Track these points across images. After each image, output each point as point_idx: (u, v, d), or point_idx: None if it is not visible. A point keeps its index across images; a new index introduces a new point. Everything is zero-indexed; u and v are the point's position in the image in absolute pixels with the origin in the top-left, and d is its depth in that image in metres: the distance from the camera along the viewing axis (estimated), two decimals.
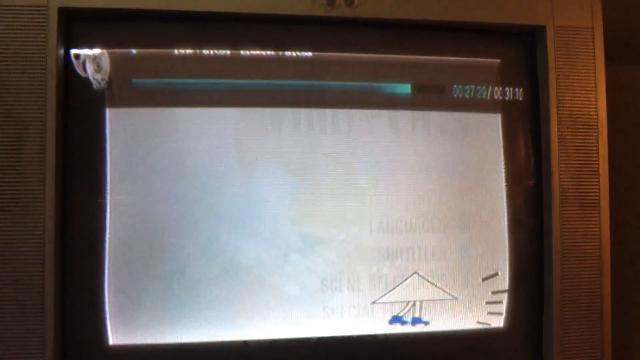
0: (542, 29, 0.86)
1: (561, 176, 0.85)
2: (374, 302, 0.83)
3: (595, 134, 0.86)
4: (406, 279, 0.84)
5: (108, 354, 0.79)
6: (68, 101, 0.78)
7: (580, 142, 0.86)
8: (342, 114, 0.83)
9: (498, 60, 0.88)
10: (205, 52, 0.81)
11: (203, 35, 0.82)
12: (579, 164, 0.86)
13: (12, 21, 0.75)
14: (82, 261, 0.78)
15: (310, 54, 0.83)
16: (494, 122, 0.87)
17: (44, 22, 0.76)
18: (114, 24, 0.81)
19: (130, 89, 0.80)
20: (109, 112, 0.79)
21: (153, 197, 0.80)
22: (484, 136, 0.87)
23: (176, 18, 0.81)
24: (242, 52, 0.82)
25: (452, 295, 0.85)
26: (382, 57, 0.85)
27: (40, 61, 0.75)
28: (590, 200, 0.86)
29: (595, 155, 0.86)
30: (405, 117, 0.85)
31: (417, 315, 0.84)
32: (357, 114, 0.84)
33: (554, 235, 0.85)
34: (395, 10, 0.83)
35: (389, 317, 0.84)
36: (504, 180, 0.87)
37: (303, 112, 0.83)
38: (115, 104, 0.79)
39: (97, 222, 0.78)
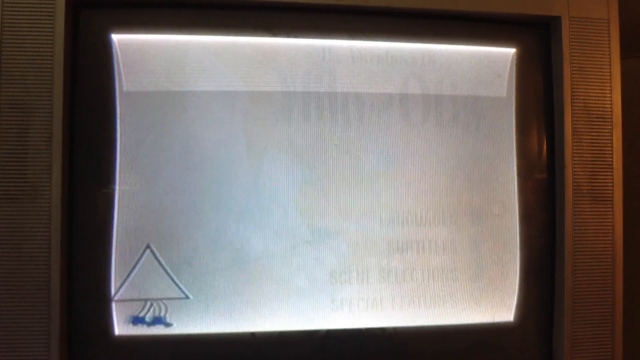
0: (557, 19, 0.85)
1: (574, 170, 0.84)
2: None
3: (609, 127, 0.85)
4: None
5: (114, 344, 0.78)
6: (76, 88, 0.78)
7: (594, 135, 0.85)
8: (352, 103, 0.82)
9: (513, 50, 0.86)
10: (214, 37, 0.80)
11: (212, 21, 0.81)
12: (593, 157, 0.85)
13: (19, 8, 0.74)
14: (88, 250, 0.78)
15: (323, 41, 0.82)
16: (506, 114, 0.86)
17: (52, 8, 0.75)
18: (121, 9, 0.80)
19: (139, 74, 0.79)
20: (118, 99, 0.78)
21: (161, 187, 0.79)
22: (497, 128, 0.86)
23: (186, 4, 0.80)
24: (253, 38, 0.81)
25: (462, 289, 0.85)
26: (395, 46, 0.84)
27: (47, 48, 0.75)
28: (603, 195, 0.85)
29: (609, 148, 0.85)
30: (417, 107, 0.84)
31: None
32: (367, 103, 0.82)
33: (566, 230, 0.84)
34: (412, 0, 0.82)
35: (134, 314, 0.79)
36: (515, 173, 0.86)
37: (313, 102, 0.82)
38: (125, 89, 0.78)
39: (104, 211, 0.78)
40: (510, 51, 0.87)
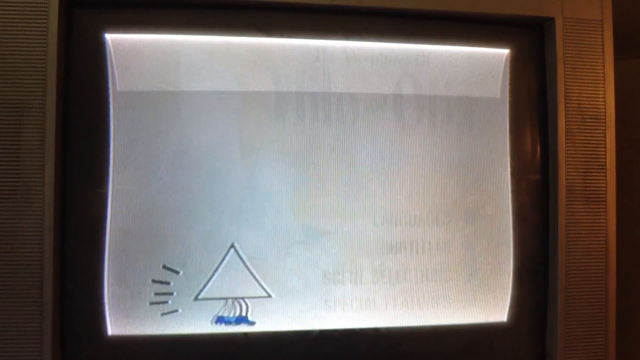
0: (551, 20, 0.85)
1: (568, 170, 0.84)
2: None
3: (602, 127, 0.85)
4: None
5: (106, 344, 0.78)
6: (69, 87, 0.77)
7: (588, 136, 0.85)
8: (346, 103, 0.82)
9: (506, 51, 0.87)
10: (208, 37, 0.80)
11: (206, 21, 0.81)
12: (586, 157, 0.85)
13: (13, 7, 0.74)
14: (81, 250, 0.77)
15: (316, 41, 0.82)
16: (500, 114, 0.86)
17: (45, 8, 0.75)
18: (114, 9, 0.79)
19: (133, 73, 0.79)
20: (111, 99, 0.78)
21: (154, 187, 0.79)
22: (490, 128, 0.86)
23: (180, 4, 0.80)
24: (247, 38, 0.81)
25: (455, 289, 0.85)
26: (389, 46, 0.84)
27: (41, 47, 0.74)
28: (596, 195, 0.85)
29: (603, 149, 0.85)
30: (410, 108, 0.84)
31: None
32: (361, 104, 0.83)
33: (560, 230, 0.84)
34: (406, 0, 0.82)
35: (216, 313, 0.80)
36: (509, 173, 0.86)
37: (307, 102, 0.82)
38: (118, 88, 0.78)
39: (97, 211, 0.77)
40: (504, 52, 0.87)
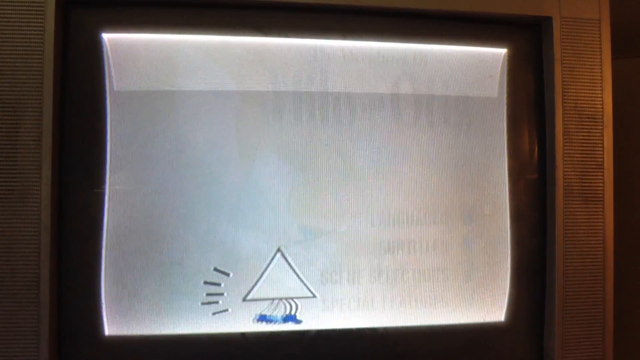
0: (549, 19, 0.85)
1: (565, 169, 0.84)
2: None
3: (600, 127, 0.85)
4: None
5: (103, 344, 0.78)
6: (66, 87, 0.77)
7: (585, 136, 0.85)
8: (344, 103, 0.82)
9: (504, 51, 0.87)
10: (206, 36, 0.80)
11: (203, 20, 0.81)
12: (584, 157, 0.85)
13: (9, 6, 0.74)
14: (78, 250, 0.77)
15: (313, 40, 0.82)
16: (498, 114, 0.86)
17: (42, 7, 0.75)
18: (112, 8, 0.79)
19: (130, 73, 0.78)
20: (108, 98, 0.78)
21: (151, 186, 0.78)
22: (488, 128, 0.86)
23: (177, 3, 0.80)
24: (245, 38, 0.81)
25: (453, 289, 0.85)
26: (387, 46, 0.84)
27: (38, 47, 0.74)
28: (594, 195, 0.85)
29: (600, 148, 0.85)
30: (408, 107, 0.84)
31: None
32: (359, 103, 0.82)
33: (557, 230, 0.84)
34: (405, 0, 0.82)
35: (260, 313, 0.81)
36: (507, 173, 0.86)
37: (304, 101, 0.81)
38: (115, 88, 0.78)
39: (94, 211, 0.77)
40: (502, 51, 0.87)
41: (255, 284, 0.79)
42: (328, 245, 0.82)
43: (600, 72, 0.86)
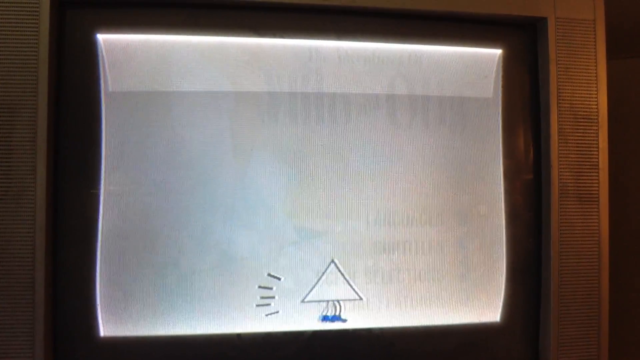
0: (544, 20, 0.85)
1: (560, 170, 0.84)
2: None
3: (595, 127, 0.86)
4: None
5: (99, 345, 0.78)
6: (61, 88, 0.77)
7: (580, 136, 0.85)
8: (339, 104, 0.82)
9: (499, 51, 0.87)
10: (201, 37, 0.80)
11: (198, 21, 0.81)
12: (579, 157, 0.85)
13: (4, 7, 0.74)
14: (73, 251, 0.77)
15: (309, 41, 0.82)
16: (493, 115, 0.86)
17: (36, 8, 0.74)
18: (106, 9, 0.79)
19: (125, 74, 0.78)
20: (103, 99, 0.78)
21: (147, 187, 0.78)
22: (483, 128, 0.86)
23: (172, 4, 0.80)
24: (240, 38, 0.81)
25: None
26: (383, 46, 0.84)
27: (32, 47, 0.74)
28: (589, 195, 0.85)
29: (595, 149, 0.85)
30: (403, 108, 0.84)
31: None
32: (354, 104, 0.82)
33: (552, 230, 0.84)
34: (400, 0, 0.82)
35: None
36: (502, 174, 0.86)
37: (300, 102, 0.81)
38: (110, 89, 0.78)
39: (89, 212, 0.77)
40: (497, 52, 0.87)
41: (312, 289, 0.82)
42: (324, 245, 0.82)
43: (595, 73, 0.86)
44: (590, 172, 0.85)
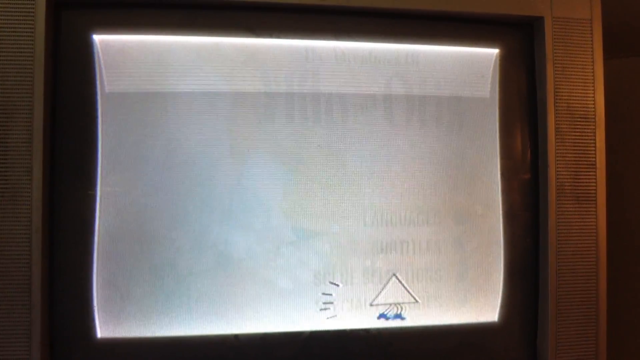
0: (540, 19, 0.85)
1: (558, 169, 0.84)
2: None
3: (592, 126, 0.86)
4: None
5: (96, 347, 0.77)
6: (57, 89, 0.77)
7: (578, 135, 0.85)
8: (336, 104, 0.82)
9: (496, 51, 0.87)
10: (197, 38, 0.80)
11: (195, 21, 0.81)
12: (576, 157, 0.85)
13: None
14: (70, 252, 0.77)
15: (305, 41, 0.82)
16: (490, 114, 0.86)
17: (32, 8, 0.74)
18: (102, 10, 0.79)
19: (121, 75, 0.78)
20: (99, 100, 0.77)
21: (143, 188, 0.78)
22: (480, 128, 0.86)
23: (168, 5, 0.80)
24: (236, 38, 0.81)
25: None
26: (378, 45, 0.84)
27: (28, 48, 0.74)
28: (586, 194, 0.85)
29: (593, 148, 0.85)
30: (400, 108, 0.84)
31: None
32: (351, 104, 0.82)
33: (550, 229, 0.84)
34: (395, 0, 0.82)
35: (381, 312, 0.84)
36: (499, 173, 0.86)
37: (297, 102, 0.81)
38: (106, 90, 0.78)
39: (86, 213, 0.77)
40: (494, 51, 0.87)
41: (379, 293, 0.83)
42: (321, 246, 0.82)
43: (592, 72, 0.86)
44: (587, 172, 0.85)
